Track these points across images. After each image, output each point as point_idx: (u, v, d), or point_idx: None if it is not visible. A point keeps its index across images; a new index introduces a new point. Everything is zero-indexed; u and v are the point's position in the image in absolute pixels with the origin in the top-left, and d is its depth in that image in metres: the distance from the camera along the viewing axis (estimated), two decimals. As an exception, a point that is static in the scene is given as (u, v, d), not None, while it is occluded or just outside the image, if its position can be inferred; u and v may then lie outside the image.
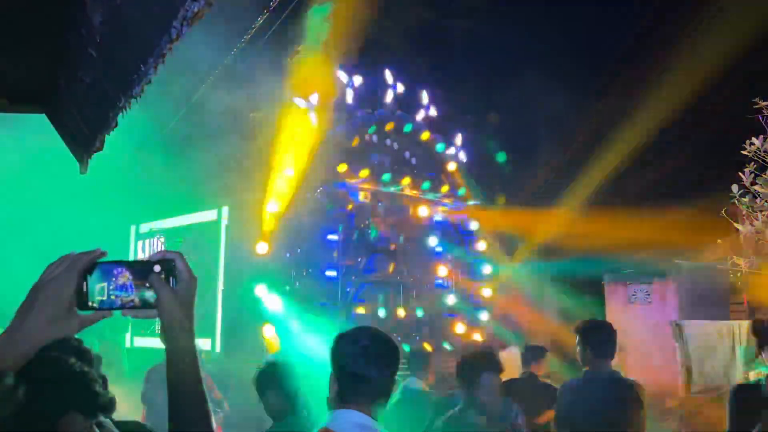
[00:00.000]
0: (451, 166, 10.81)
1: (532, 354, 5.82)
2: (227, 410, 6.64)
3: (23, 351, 1.12)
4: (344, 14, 15.87)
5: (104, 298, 1.19)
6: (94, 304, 1.19)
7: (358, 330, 2.28)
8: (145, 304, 1.21)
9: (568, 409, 4.13)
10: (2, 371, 1.14)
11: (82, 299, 1.18)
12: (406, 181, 10.00)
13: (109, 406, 1.89)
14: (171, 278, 1.23)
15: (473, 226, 10.94)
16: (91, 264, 1.19)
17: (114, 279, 1.20)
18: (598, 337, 4.12)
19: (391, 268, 9.83)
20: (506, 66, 13.17)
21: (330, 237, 9.21)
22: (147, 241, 13.05)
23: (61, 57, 2.67)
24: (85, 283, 1.18)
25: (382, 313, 9.47)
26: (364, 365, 2.15)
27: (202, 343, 10.59)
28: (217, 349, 10.39)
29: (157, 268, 1.22)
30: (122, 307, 1.21)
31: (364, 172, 9.42)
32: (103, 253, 1.21)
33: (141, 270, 1.22)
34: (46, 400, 1.67)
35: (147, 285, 1.21)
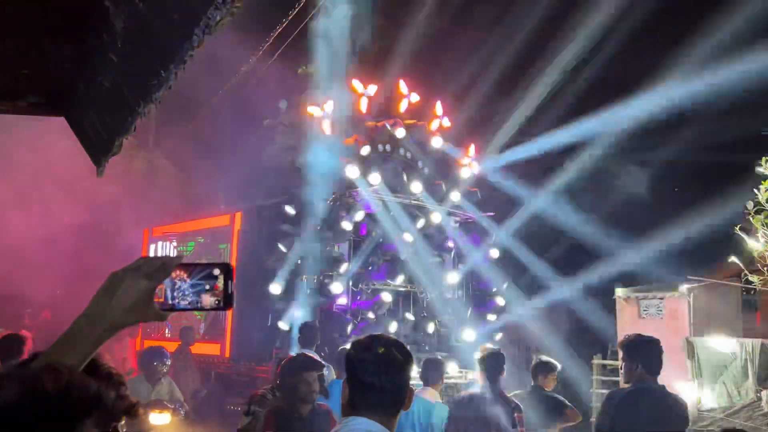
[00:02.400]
0: (464, 175, 10.79)
1: (542, 368, 5.81)
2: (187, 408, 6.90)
3: (100, 336, 1.23)
4: (359, 24, 15.94)
5: (178, 297, 1.30)
6: (170, 302, 1.29)
7: (372, 337, 2.28)
8: (213, 305, 1.31)
9: (615, 417, 3.93)
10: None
11: (162, 297, 1.29)
12: (419, 189, 9.99)
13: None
14: (228, 281, 1.31)
15: (486, 234, 10.91)
16: (173, 266, 1.29)
17: (186, 281, 1.30)
18: (650, 352, 3.97)
19: (401, 276, 9.82)
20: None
21: (342, 244, 9.23)
22: (160, 245, 13.12)
23: (82, 61, 2.71)
24: (167, 282, 1.29)
25: (391, 321, 9.46)
26: (377, 373, 2.13)
27: (212, 348, 10.62)
28: (227, 354, 10.42)
29: (216, 271, 1.31)
30: (197, 308, 1.31)
31: (377, 181, 9.43)
32: (180, 258, 1.31)
33: (205, 273, 1.31)
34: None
35: (208, 287, 1.30)
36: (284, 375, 4.28)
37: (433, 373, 5.49)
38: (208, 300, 1.29)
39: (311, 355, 6.59)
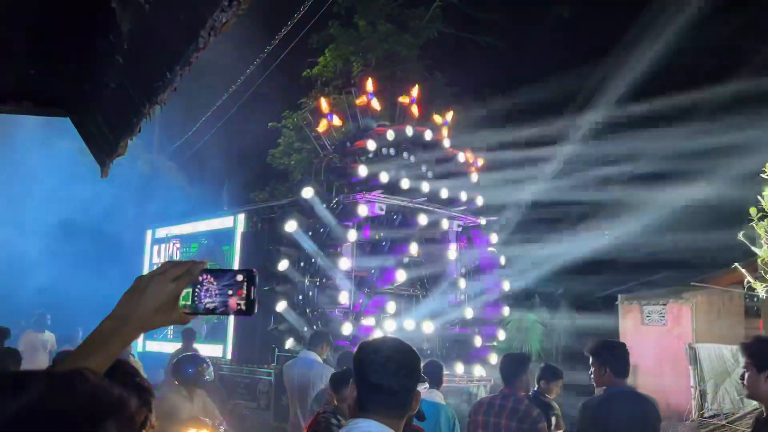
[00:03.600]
0: (469, 180, 10.78)
1: (546, 374, 5.80)
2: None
3: (126, 337, 1.29)
4: (366, 29, 15.98)
5: (203, 301, 1.33)
6: (194, 305, 1.34)
7: (381, 340, 2.28)
8: (236, 310, 1.34)
9: (592, 424, 4.07)
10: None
11: (187, 300, 1.33)
12: (423, 193, 9.98)
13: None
14: (252, 287, 1.35)
15: (489, 240, 10.90)
16: (199, 271, 1.33)
17: (211, 285, 1.34)
18: (617, 355, 4.10)
19: (405, 279, 9.82)
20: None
21: (344, 247, 9.22)
22: (162, 246, 13.14)
23: (88, 62, 2.72)
24: (194, 287, 1.33)
25: (394, 324, 9.45)
26: (385, 375, 2.13)
27: (214, 350, 10.63)
28: (228, 356, 10.43)
29: (239, 277, 1.35)
30: (220, 312, 1.35)
31: (381, 183, 9.43)
32: (205, 263, 1.36)
33: (229, 278, 1.35)
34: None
35: (232, 293, 1.34)
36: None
37: (432, 375, 5.50)
38: (232, 304, 1.33)
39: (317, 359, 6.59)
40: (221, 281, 1.34)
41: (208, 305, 1.33)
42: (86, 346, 1.27)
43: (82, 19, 2.44)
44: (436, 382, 5.48)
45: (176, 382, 5.35)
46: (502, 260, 10.84)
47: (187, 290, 1.32)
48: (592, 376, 4.16)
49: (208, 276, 1.33)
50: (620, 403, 3.98)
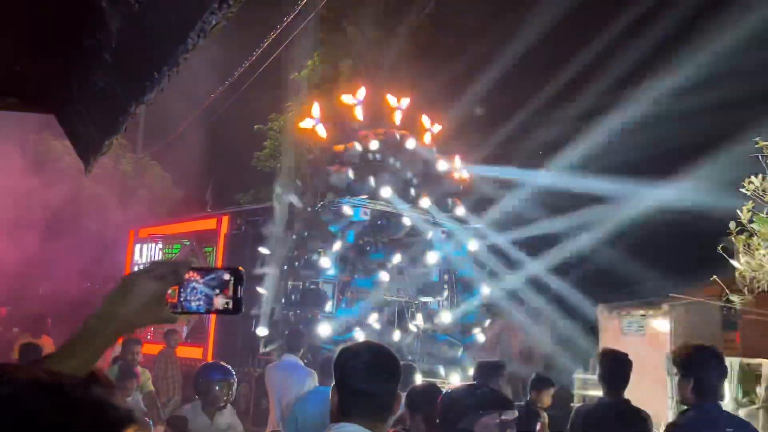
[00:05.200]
0: (453, 186, 10.83)
1: (536, 384, 5.84)
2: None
3: (111, 336, 1.27)
4: (354, 36, 15.98)
5: (189, 301, 1.32)
6: (181, 304, 1.32)
7: (361, 344, 2.31)
8: (223, 309, 1.33)
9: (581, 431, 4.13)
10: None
11: (174, 299, 1.32)
12: (406, 198, 10.02)
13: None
14: (239, 286, 1.34)
15: (473, 245, 10.95)
16: (186, 270, 1.32)
17: (197, 284, 1.32)
18: (615, 366, 4.16)
19: (387, 285, 9.83)
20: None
21: (329, 252, 9.22)
22: (145, 246, 13.05)
23: (75, 60, 2.71)
24: (180, 286, 1.32)
25: (376, 329, 9.46)
26: (366, 379, 2.15)
27: (194, 352, 10.56)
28: (209, 357, 10.37)
29: (226, 275, 1.34)
30: (207, 311, 1.34)
31: (365, 188, 9.45)
32: (191, 262, 1.38)
33: (215, 277, 1.33)
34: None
35: (218, 291, 1.33)
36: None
37: (406, 378, 5.51)
38: (218, 303, 1.32)
39: (297, 361, 6.58)
40: (208, 280, 1.32)
41: (194, 304, 1.32)
42: (69, 345, 1.25)
43: (70, 16, 2.44)
44: (406, 384, 5.49)
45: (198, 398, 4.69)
46: (485, 266, 10.90)
47: (189, 288, 1.31)
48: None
49: (195, 274, 1.32)
50: (614, 414, 4.01)
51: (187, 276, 1.31)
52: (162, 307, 1.29)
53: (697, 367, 3.34)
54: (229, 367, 4.77)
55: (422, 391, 3.91)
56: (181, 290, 1.31)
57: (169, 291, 1.30)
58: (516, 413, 2.34)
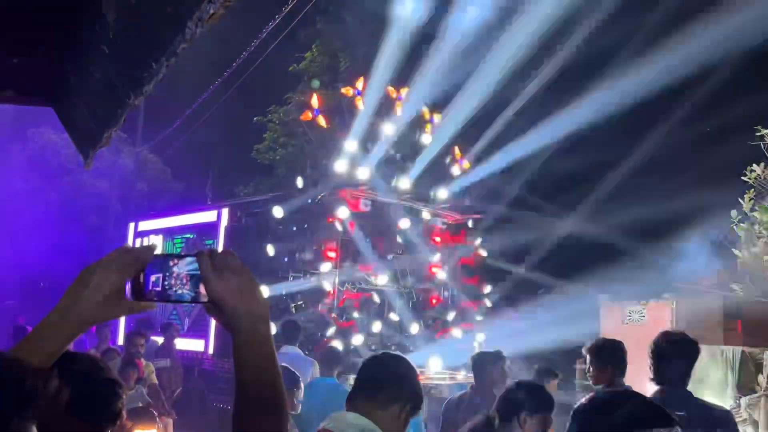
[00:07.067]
0: (453, 176, 10.80)
1: (541, 374, 5.85)
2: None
3: (70, 331, 1.20)
4: (353, 26, 15.91)
5: (159, 289, 1.24)
6: (149, 295, 1.24)
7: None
8: (196, 298, 1.24)
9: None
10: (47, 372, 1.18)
11: (137, 289, 1.24)
12: (407, 189, 9.99)
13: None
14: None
15: (471, 236, 10.93)
16: (149, 257, 1.24)
17: (167, 272, 1.23)
18: (618, 354, 4.17)
19: (388, 276, 9.83)
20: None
21: (328, 243, 9.21)
22: (145, 239, 13.04)
23: (72, 52, 2.69)
24: (142, 274, 1.23)
25: (376, 321, 9.46)
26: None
27: (196, 345, 10.57)
28: (210, 350, 10.38)
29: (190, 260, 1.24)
30: (177, 299, 1.25)
31: (364, 180, 9.43)
32: (154, 248, 1.26)
33: (189, 264, 1.24)
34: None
35: (192, 279, 1.23)
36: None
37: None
38: (203, 292, 1.23)
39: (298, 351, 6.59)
40: (175, 267, 1.24)
41: (178, 292, 1.23)
42: (29, 339, 1.18)
43: (68, 7, 2.42)
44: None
45: None
46: (485, 259, 10.89)
47: (156, 277, 1.23)
48: (590, 374, 4.20)
49: (178, 261, 1.24)
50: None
51: (170, 263, 1.23)
52: (121, 300, 1.22)
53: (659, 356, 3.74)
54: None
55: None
56: (150, 279, 1.23)
57: (152, 278, 1.23)
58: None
